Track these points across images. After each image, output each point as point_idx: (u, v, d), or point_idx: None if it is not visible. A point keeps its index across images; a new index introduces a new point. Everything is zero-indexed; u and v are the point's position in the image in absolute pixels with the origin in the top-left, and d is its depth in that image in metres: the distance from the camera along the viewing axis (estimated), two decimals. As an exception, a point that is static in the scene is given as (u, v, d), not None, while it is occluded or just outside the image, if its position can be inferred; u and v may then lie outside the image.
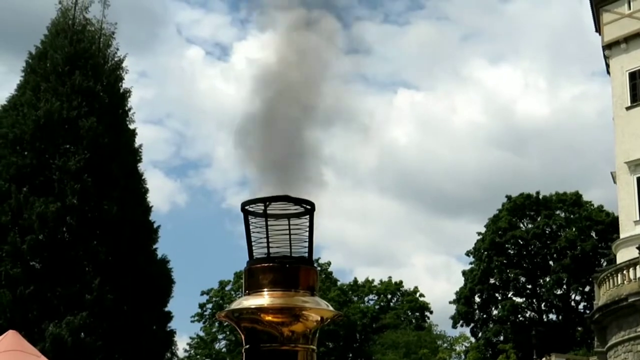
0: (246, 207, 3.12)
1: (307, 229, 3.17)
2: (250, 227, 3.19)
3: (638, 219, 33.70)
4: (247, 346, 3.21)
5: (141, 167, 34.82)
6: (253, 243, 3.20)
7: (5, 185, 31.31)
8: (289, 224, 3.20)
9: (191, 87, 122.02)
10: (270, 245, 3.17)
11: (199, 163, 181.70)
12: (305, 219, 3.16)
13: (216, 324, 55.70)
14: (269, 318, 3.12)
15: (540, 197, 53.27)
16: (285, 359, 3.16)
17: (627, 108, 34.92)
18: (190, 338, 56.13)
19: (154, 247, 33.82)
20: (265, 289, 3.12)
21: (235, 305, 3.14)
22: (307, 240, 3.18)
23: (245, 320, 3.15)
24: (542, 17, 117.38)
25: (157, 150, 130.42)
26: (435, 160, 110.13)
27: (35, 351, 10.73)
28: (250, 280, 3.20)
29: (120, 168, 33.02)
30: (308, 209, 3.15)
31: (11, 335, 10.33)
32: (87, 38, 34.60)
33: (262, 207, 3.14)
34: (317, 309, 3.11)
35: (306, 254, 3.18)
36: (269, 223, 3.16)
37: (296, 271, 3.17)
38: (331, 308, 3.22)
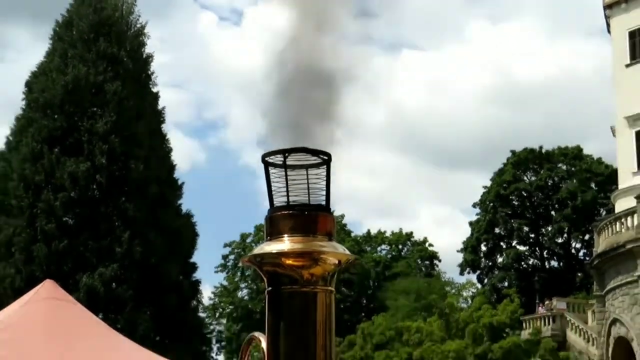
0: (266, 159, 3.14)
1: (325, 179, 3.18)
2: (271, 177, 3.21)
3: (636, 170, 33.62)
4: (269, 288, 3.24)
5: (164, 128, 34.94)
6: (273, 192, 3.21)
7: (37, 146, 31.44)
8: (307, 174, 3.21)
9: (207, 51, 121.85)
10: (290, 194, 3.19)
11: (217, 124, 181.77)
12: (323, 169, 3.17)
13: (238, 274, 56.02)
14: (289, 262, 3.15)
15: (543, 151, 53.08)
16: (306, 299, 3.18)
17: (627, 65, 34.69)
18: (215, 287, 56.51)
19: (179, 202, 34.02)
20: (286, 235, 3.14)
21: (257, 250, 3.16)
22: (325, 189, 3.20)
23: (267, 264, 3.17)
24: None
25: (178, 112, 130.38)
26: (440, 118, 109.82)
27: (71, 299, 10.86)
28: (271, 228, 3.22)
29: (145, 129, 33.06)
30: (325, 159, 3.16)
31: (48, 284, 10.45)
32: (110, 6, 34.54)
33: (282, 159, 3.16)
34: (335, 252, 3.14)
35: (324, 202, 3.20)
36: (288, 173, 3.17)
37: (315, 218, 3.18)
38: (348, 252, 3.25)
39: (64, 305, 10.01)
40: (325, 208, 3.21)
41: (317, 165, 3.19)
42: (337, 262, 3.16)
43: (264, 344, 3.29)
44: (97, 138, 31.48)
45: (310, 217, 3.16)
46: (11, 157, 32.69)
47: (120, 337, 10.45)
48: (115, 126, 31.69)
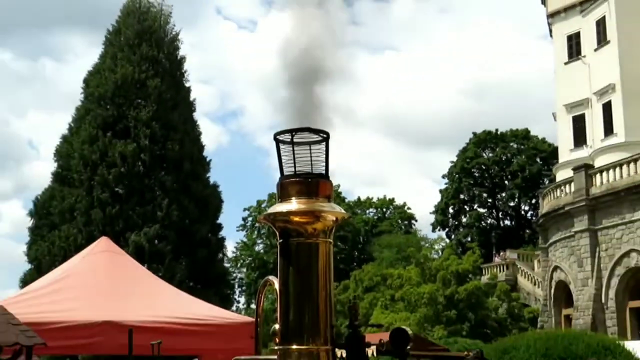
0: (277, 137, 3.17)
1: (324, 153, 3.21)
2: (281, 152, 3.22)
3: (573, 147, 33.66)
4: (281, 240, 3.27)
5: (195, 116, 35.14)
6: (283, 164, 3.23)
7: (94, 131, 31.59)
8: (310, 149, 3.22)
9: (228, 54, 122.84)
10: (296, 165, 3.21)
11: (236, 112, 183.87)
12: (323, 145, 3.19)
13: (255, 232, 56.18)
14: (296, 219, 3.17)
15: (498, 133, 53.15)
16: (310, 249, 3.21)
17: (565, 63, 34.59)
18: (236, 243, 56.62)
19: (207, 175, 34.18)
20: (293, 198, 3.15)
21: (271, 210, 3.19)
22: (324, 161, 3.22)
23: (279, 221, 3.19)
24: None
25: (206, 103, 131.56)
26: (419, 108, 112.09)
27: (122, 252, 10.93)
28: (282, 192, 3.24)
29: (180, 117, 33.22)
30: (324, 137, 3.19)
31: (104, 241, 10.52)
32: (151, 17, 34.72)
33: (289, 137, 3.18)
34: (333, 211, 3.16)
35: (324, 171, 3.22)
36: (295, 149, 3.19)
37: (316, 184, 3.20)
38: (343, 211, 3.28)
39: (117, 257, 10.09)
40: (325, 176, 3.24)
41: (318, 142, 3.21)
42: (334, 219, 3.19)
43: (276, 285, 3.32)
44: (141, 124, 31.58)
45: (313, 183, 3.18)
46: (72, 140, 32.88)
47: (163, 282, 10.56)
48: (156, 114, 31.83)
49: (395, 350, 3.23)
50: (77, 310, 7.60)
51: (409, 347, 3.31)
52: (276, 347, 3.24)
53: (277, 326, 3.28)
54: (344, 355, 3.36)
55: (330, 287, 3.21)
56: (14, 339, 5.93)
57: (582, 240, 25.47)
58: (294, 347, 3.11)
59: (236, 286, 49.90)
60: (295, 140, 3.23)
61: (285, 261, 3.20)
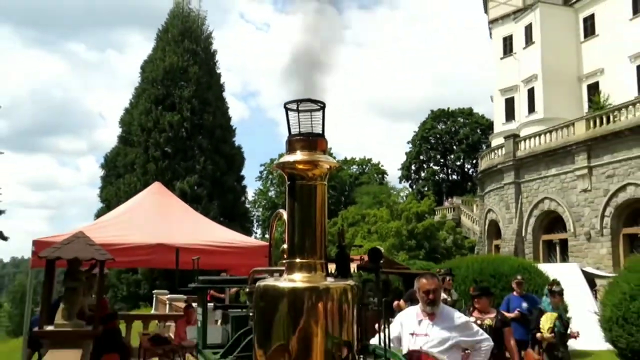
0: (286, 106, 3.14)
1: (321, 118, 3.18)
2: (289, 117, 3.19)
3: (504, 121, 33.57)
4: (288, 183, 3.25)
5: (224, 94, 35.01)
6: (290, 126, 3.20)
7: (148, 105, 31.49)
8: (311, 115, 3.19)
9: (248, 48, 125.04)
10: (300, 127, 3.18)
11: (255, 93, 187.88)
12: (320, 112, 3.16)
13: (269, 182, 56.27)
14: (300, 166, 3.15)
15: (449, 110, 52.97)
16: (310, 189, 3.20)
17: (501, 58, 34.26)
18: (255, 189, 56.84)
19: (233, 139, 34.16)
20: (298, 151, 3.13)
21: (281, 160, 3.17)
22: (322, 124, 3.19)
23: (287, 168, 3.18)
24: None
25: (232, 86, 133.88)
26: (396, 90, 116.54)
27: (171, 194, 10.93)
28: (289, 147, 3.22)
29: (213, 95, 33.13)
30: (322, 106, 3.15)
31: (157, 185, 10.52)
32: (191, 20, 34.50)
33: (295, 105, 3.14)
34: (327, 161, 3.15)
35: (321, 132, 3.19)
36: (299, 115, 3.16)
37: (315, 141, 3.17)
38: (335, 161, 3.26)
39: (166, 196, 10.10)
40: (322, 135, 3.21)
41: (317, 110, 3.18)
42: (329, 167, 3.18)
43: (285, 216, 3.33)
44: (184, 100, 31.49)
45: (313, 140, 3.15)
46: (133, 111, 32.90)
47: (201, 215, 10.57)
48: (195, 93, 31.75)
49: (372, 264, 3.26)
50: (137, 235, 7.65)
51: (382, 261, 3.34)
52: (284, 261, 3.27)
53: (285, 246, 3.30)
54: (334, 268, 3.40)
55: (325, 218, 3.22)
56: (91, 255, 5.96)
57: (509, 190, 25.62)
58: (297, 260, 3.13)
59: (254, 221, 50.18)
60: (300, 108, 3.24)
61: (291, 198, 3.20)
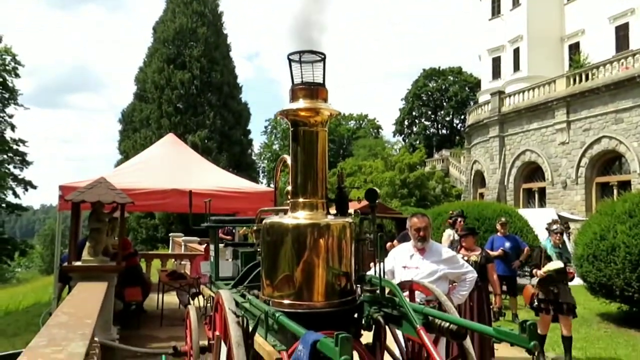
0: (290, 57, 3.05)
1: (322, 68, 3.09)
2: (292, 67, 3.11)
3: (491, 79, 33.05)
4: (292, 129, 3.21)
5: (231, 54, 34.16)
6: (293, 76, 3.12)
7: (161, 64, 30.95)
8: (313, 66, 3.11)
9: (254, 12, 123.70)
10: (303, 76, 3.10)
11: (258, 53, 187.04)
12: (321, 63, 3.08)
13: (273, 136, 56.04)
14: (302, 113, 3.10)
15: (440, 69, 52.07)
16: (312, 135, 3.17)
17: (489, 19, 33.33)
18: (260, 142, 56.68)
19: (240, 96, 33.67)
20: (300, 99, 3.07)
21: (285, 107, 3.11)
22: (323, 74, 3.11)
23: (290, 115, 3.13)
24: None
25: (239, 46, 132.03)
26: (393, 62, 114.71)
27: (183, 143, 10.84)
28: (292, 95, 3.16)
29: (220, 55, 32.46)
30: (323, 57, 3.06)
31: (171, 136, 10.45)
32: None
33: (298, 57, 3.05)
34: (328, 108, 3.09)
35: (322, 82, 3.11)
36: (302, 65, 3.08)
37: (316, 90, 3.11)
38: (335, 109, 3.20)
39: (180, 146, 10.03)
40: (322, 85, 3.15)
41: (318, 61, 3.11)
42: (329, 114, 3.13)
43: (289, 161, 3.30)
44: (194, 59, 30.88)
45: (314, 89, 3.10)
46: (147, 70, 32.25)
47: (212, 164, 10.50)
48: (204, 52, 31.10)
49: (368, 203, 3.27)
50: (154, 181, 7.65)
51: (378, 200, 3.34)
52: (288, 201, 3.27)
53: (289, 187, 3.29)
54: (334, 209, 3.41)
55: (325, 162, 3.20)
56: (112, 199, 5.98)
57: (494, 143, 25.53)
58: (300, 199, 3.13)
59: (260, 172, 50.26)
60: (302, 59, 3.16)
61: (295, 143, 3.17)
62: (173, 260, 12.45)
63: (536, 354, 1.99)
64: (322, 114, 3.07)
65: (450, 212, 8.51)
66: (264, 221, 3.20)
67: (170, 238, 19.72)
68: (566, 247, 6.10)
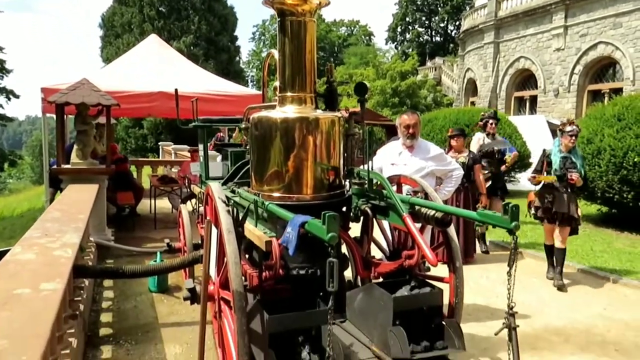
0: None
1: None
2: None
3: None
4: (279, 19, 3.09)
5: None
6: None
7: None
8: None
9: None
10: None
11: None
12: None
13: (262, 43, 54.29)
14: (290, 1, 3.02)
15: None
16: (300, 25, 3.07)
17: None
18: (249, 50, 55.08)
19: (226, -1, 32.04)
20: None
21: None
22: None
23: (276, 3, 3.03)
24: None
25: None
26: None
27: (167, 45, 10.43)
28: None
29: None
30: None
31: (153, 36, 10.06)
32: None
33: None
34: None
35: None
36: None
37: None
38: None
39: (165, 49, 9.66)
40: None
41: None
42: (318, 2, 2.99)
43: (277, 56, 3.20)
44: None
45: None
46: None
47: (199, 67, 10.05)
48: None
49: (357, 95, 3.23)
50: (139, 84, 7.45)
51: (367, 94, 3.29)
52: (276, 96, 3.22)
53: (277, 83, 3.22)
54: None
55: (314, 54, 3.10)
56: (97, 101, 5.87)
57: (488, 50, 24.98)
58: (289, 94, 3.08)
59: (249, 81, 49.20)
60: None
61: (282, 35, 3.05)
62: (163, 166, 12.52)
63: (515, 236, 2.06)
64: (310, 2, 2.94)
65: (482, 113, 8.08)
66: (251, 116, 3.17)
67: (160, 147, 19.68)
68: (577, 152, 5.37)
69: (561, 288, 5.21)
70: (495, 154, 6.94)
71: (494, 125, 7.26)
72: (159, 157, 20.16)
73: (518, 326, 2.11)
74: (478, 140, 7.22)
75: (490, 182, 6.76)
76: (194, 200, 5.79)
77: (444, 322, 2.72)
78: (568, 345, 3.89)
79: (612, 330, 4.19)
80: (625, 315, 4.54)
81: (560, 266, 5.35)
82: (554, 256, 5.46)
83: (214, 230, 2.36)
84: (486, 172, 6.62)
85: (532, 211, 5.45)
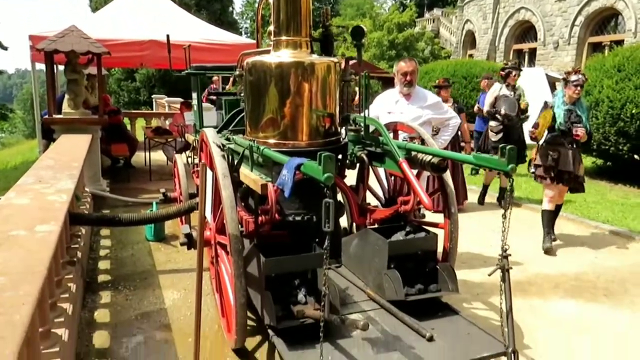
0: None
1: None
2: None
3: None
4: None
5: None
6: None
7: None
8: None
9: None
10: None
11: None
12: None
13: (255, -6, 52.69)
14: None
15: None
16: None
17: None
18: (242, 1, 53.42)
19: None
20: None
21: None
22: None
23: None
24: None
25: None
26: None
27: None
28: None
29: None
30: None
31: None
32: None
33: None
34: None
35: None
36: None
37: None
38: None
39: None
40: None
41: None
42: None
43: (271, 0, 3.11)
44: None
45: None
46: None
47: (193, 16, 9.69)
48: None
49: (354, 40, 3.16)
50: (129, 32, 7.25)
51: (364, 39, 3.22)
52: (270, 41, 3.15)
53: (272, 27, 3.14)
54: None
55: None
56: (87, 48, 5.72)
57: (488, 0, 24.39)
58: (283, 38, 3.01)
59: (243, 33, 48.00)
60: None
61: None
62: (157, 118, 12.39)
63: (512, 179, 2.05)
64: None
65: (504, 62, 7.80)
66: (245, 61, 3.11)
67: (153, 100, 19.43)
68: (582, 105, 4.89)
69: (549, 251, 4.82)
70: (503, 118, 6.70)
71: (516, 77, 6.97)
72: (152, 110, 19.94)
73: (511, 268, 2.14)
74: (494, 91, 6.93)
75: (501, 135, 6.73)
76: (187, 152, 5.77)
77: (438, 266, 2.76)
78: (558, 290, 3.98)
79: (601, 277, 4.28)
80: (615, 263, 4.63)
81: (550, 227, 4.99)
82: (543, 217, 5.02)
83: (209, 176, 2.35)
84: (498, 124, 6.70)
85: (532, 169, 4.98)
